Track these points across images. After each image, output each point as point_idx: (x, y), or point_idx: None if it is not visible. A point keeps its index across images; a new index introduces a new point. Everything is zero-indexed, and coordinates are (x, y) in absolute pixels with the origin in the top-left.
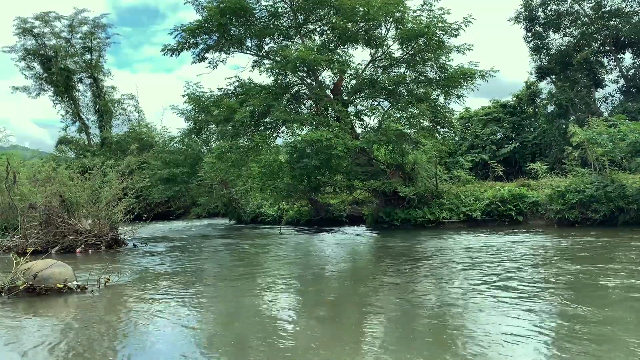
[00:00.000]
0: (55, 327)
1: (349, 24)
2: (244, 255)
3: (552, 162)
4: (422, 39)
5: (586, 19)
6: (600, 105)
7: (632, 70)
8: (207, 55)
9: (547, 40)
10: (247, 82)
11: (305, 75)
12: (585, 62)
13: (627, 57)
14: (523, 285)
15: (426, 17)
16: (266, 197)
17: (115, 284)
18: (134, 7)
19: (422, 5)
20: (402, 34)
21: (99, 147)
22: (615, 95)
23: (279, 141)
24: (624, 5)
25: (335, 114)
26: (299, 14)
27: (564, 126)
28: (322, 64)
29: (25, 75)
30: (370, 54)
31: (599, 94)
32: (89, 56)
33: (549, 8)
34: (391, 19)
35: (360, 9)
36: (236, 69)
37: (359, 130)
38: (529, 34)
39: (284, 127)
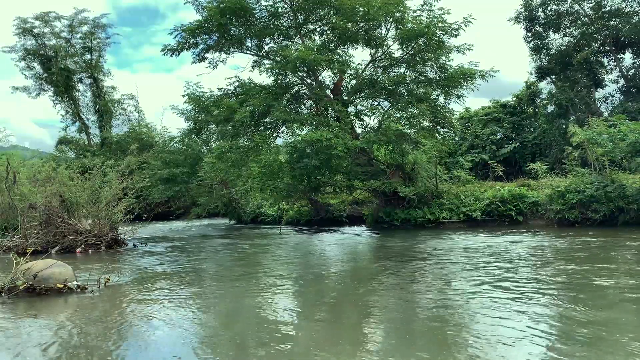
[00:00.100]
0: (55, 327)
1: (349, 24)
2: (243, 256)
3: (552, 162)
4: (422, 39)
5: (586, 19)
6: (600, 105)
7: (632, 70)
8: (207, 55)
9: (547, 40)
10: (247, 82)
11: (305, 75)
12: (585, 62)
13: (627, 57)
14: (523, 286)
15: (426, 17)
16: (266, 197)
17: (115, 284)
18: (134, 7)
19: (422, 5)
20: (402, 34)
21: (99, 147)
22: (615, 95)
23: (279, 141)
24: (624, 5)
25: (335, 114)
26: (299, 14)
27: (564, 126)
28: (322, 64)
29: (25, 75)
30: (370, 54)
31: (599, 94)
32: (89, 56)
33: (549, 8)
34: (391, 19)
35: (360, 9)
36: (236, 69)
37: (359, 130)
38: (529, 34)
39: (284, 127)
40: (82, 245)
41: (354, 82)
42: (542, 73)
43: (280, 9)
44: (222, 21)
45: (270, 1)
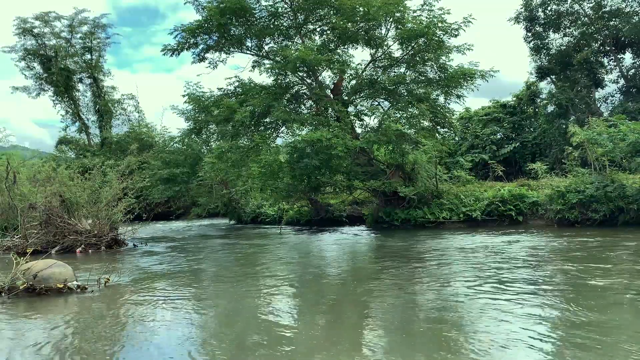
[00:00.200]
0: (55, 327)
1: (349, 24)
2: (243, 256)
3: (552, 162)
4: (422, 39)
5: (586, 19)
6: (600, 105)
7: (632, 70)
8: (207, 55)
9: (547, 40)
10: (247, 82)
11: (305, 75)
12: (585, 62)
13: (627, 57)
14: (521, 286)
15: (426, 17)
16: (266, 197)
17: (115, 284)
18: (134, 7)
19: (422, 5)
20: (402, 34)
21: (99, 147)
22: (615, 95)
23: (279, 141)
24: (624, 5)
25: (335, 114)
26: (299, 14)
27: (564, 126)
28: (322, 64)
29: (25, 75)
30: (370, 54)
31: (599, 94)
32: (89, 56)
33: (549, 8)
34: (391, 19)
35: (360, 9)
36: (236, 69)
37: (359, 130)
38: (529, 34)
39: (284, 127)
40: (82, 245)
41: (354, 82)
42: (542, 73)
43: (280, 9)
44: (222, 21)
45: (270, 1)
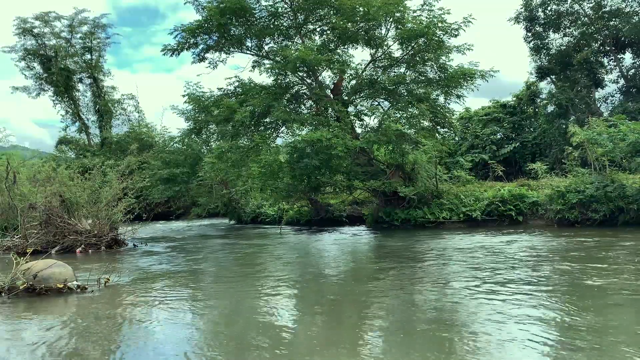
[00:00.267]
0: (55, 327)
1: (349, 24)
2: (243, 255)
3: (552, 162)
4: (422, 39)
5: (586, 19)
6: (600, 105)
7: (632, 70)
8: (207, 55)
9: (547, 40)
10: (247, 82)
11: (305, 75)
12: (585, 62)
13: (627, 57)
14: (520, 287)
15: (426, 17)
16: (266, 197)
17: (115, 284)
18: (134, 7)
19: (422, 5)
20: (402, 34)
21: (99, 147)
22: (615, 95)
23: (279, 141)
24: (624, 5)
25: (335, 114)
26: (299, 14)
27: (564, 126)
28: (322, 64)
29: (25, 75)
30: (370, 54)
31: (599, 94)
32: (89, 56)
33: (549, 8)
34: (391, 19)
35: (360, 9)
36: (236, 69)
37: (359, 130)
38: (529, 34)
39: (284, 127)
40: (82, 245)
41: (354, 82)
42: (542, 73)
43: (280, 9)
44: (222, 21)
45: (270, 1)
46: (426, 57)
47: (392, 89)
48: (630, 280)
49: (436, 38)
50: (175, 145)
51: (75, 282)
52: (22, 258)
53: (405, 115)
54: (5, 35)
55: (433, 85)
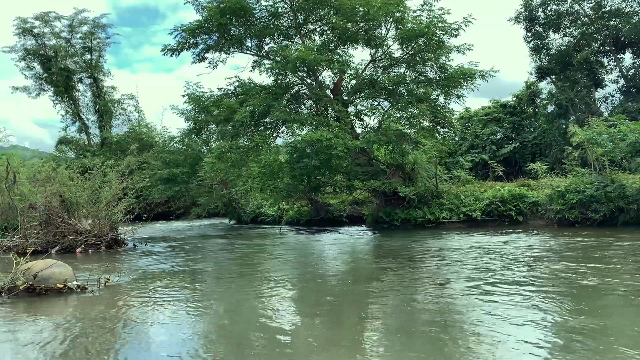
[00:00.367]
0: (55, 327)
1: (349, 24)
2: (243, 255)
3: (552, 162)
4: (422, 39)
5: (586, 19)
6: (600, 105)
7: (632, 70)
8: (207, 55)
9: (547, 40)
10: (247, 82)
11: (305, 75)
12: (585, 62)
13: (627, 57)
14: (520, 287)
15: (426, 17)
16: (266, 197)
17: (115, 284)
18: (134, 7)
19: (422, 5)
20: (402, 34)
21: (99, 147)
22: (615, 95)
23: (279, 141)
24: (624, 5)
25: (335, 114)
26: (299, 14)
27: (564, 126)
28: (322, 64)
29: (25, 75)
30: (370, 54)
31: (599, 94)
32: (89, 56)
33: (549, 8)
34: (391, 19)
35: (360, 9)
36: (236, 69)
37: (359, 130)
38: (529, 34)
39: (284, 127)
40: (82, 245)
41: (354, 82)
42: (542, 73)
43: (280, 9)
44: (222, 21)
45: (270, 1)
46: (426, 57)
47: (392, 89)
48: (627, 280)
49: (436, 38)
50: (175, 145)
51: (75, 282)
52: (22, 258)
53: (405, 115)
54: (5, 35)
55: (433, 85)
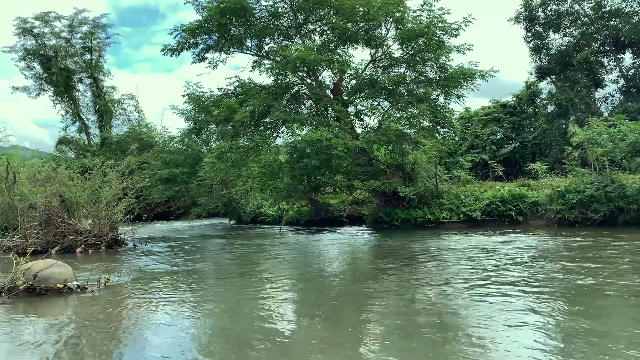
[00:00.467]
0: (55, 327)
1: (349, 24)
2: (243, 255)
3: (552, 162)
4: (422, 39)
5: (586, 19)
6: (600, 105)
7: (632, 70)
8: (207, 55)
9: (547, 40)
10: (247, 82)
11: (305, 75)
12: (585, 62)
13: (627, 57)
14: (522, 287)
15: (426, 17)
16: (266, 197)
17: (115, 284)
18: (134, 7)
19: (422, 5)
20: (402, 34)
21: (99, 147)
22: (615, 95)
23: (279, 141)
24: (624, 5)
25: (335, 114)
26: (299, 14)
27: (564, 126)
28: (322, 64)
29: (25, 75)
30: (370, 54)
31: (599, 94)
32: (89, 56)
33: (549, 8)
34: (391, 19)
35: (360, 9)
36: (236, 69)
37: (359, 130)
38: (529, 34)
39: (284, 127)
40: (82, 245)
41: (354, 82)
42: (542, 73)
43: (280, 9)
44: (222, 21)
45: (270, 1)
46: (426, 57)
47: (392, 89)
48: (624, 280)
49: (436, 38)
50: (175, 145)
51: (75, 282)
52: (22, 258)
53: (405, 115)
54: (5, 35)
55: (433, 85)
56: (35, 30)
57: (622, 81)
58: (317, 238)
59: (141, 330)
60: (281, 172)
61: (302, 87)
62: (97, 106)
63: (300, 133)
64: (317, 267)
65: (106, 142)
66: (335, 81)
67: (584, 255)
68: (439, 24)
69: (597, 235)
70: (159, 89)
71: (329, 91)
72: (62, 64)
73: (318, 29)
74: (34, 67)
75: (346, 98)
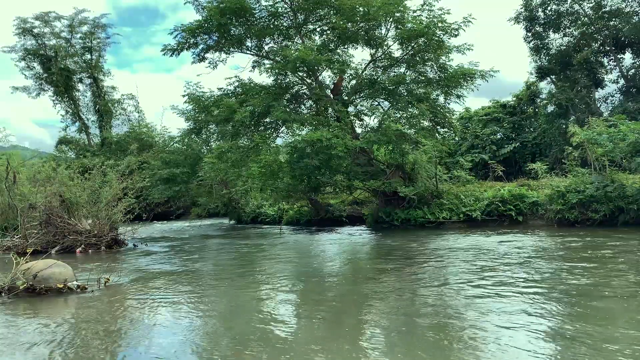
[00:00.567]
0: (55, 327)
1: (349, 24)
2: (243, 255)
3: (552, 162)
4: (422, 39)
5: (586, 19)
6: (600, 105)
7: (632, 70)
8: (207, 55)
9: (547, 40)
10: (247, 82)
11: (305, 75)
12: (585, 62)
13: (627, 57)
14: (521, 287)
15: (426, 17)
16: (266, 197)
17: (115, 284)
18: (134, 7)
19: (422, 5)
20: (402, 34)
21: (99, 147)
22: (615, 95)
23: (279, 141)
24: (624, 5)
25: (335, 114)
26: (299, 14)
27: (564, 126)
28: (322, 64)
29: (25, 75)
30: (370, 54)
31: (599, 94)
32: (89, 56)
33: (549, 8)
34: (391, 19)
35: (360, 9)
36: (236, 69)
37: (359, 130)
38: (529, 34)
39: (284, 127)
40: (82, 245)
41: (354, 82)
42: (542, 73)
43: (280, 9)
44: (222, 21)
45: (270, 1)
46: (426, 57)
47: (392, 89)
48: (621, 280)
49: (436, 38)
50: (175, 145)
51: (75, 282)
52: (22, 258)
53: (405, 115)
54: (5, 35)
55: (433, 85)
56: (35, 30)
57: (622, 81)
58: (317, 238)
59: (141, 331)
60: (281, 172)
61: (302, 87)
62: (97, 106)
63: (300, 133)
64: (316, 267)
65: (106, 142)
66: (335, 81)
67: (587, 256)
68: (439, 24)
69: (599, 236)
70: (159, 89)
71: (329, 91)
72: (62, 64)
73: (318, 29)
74: (34, 67)
75: (346, 98)
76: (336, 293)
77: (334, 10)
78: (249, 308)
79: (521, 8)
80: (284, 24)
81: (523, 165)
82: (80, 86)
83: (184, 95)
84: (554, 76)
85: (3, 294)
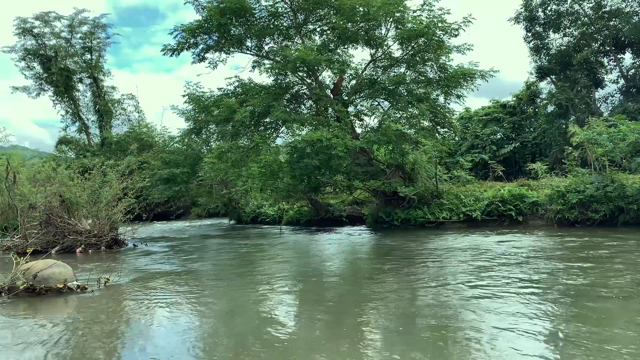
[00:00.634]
0: (55, 327)
1: (349, 24)
2: (243, 255)
3: (552, 162)
4: (422, 39)
5: (586, 19)
6: (600, 105)
7: (632, 70)
8: (207, 55)
9: (547, 40)
10: (247, 82)
11: (305, 75)
12: (585, 62)
13: (627, 57)
14: (519, 288)
15: (426, 17)
16: (266, 197)
17: (115, 284)
18: (134, 7)
19: (422, 5)
20: (402, 34)
21: (99, 147)
22: (615, 95)
23: (279, 141)
24: (624, 5)
25: (335, 114)
26: (299, 14)
27: (564, 126)
28: (322, 64)
29: (25, 75)
30: (370, 54)
31: (599, 94)
32: (89, 56)
33: (549, 8)
34: (391, 19)
35: (360, 9)
36: (236, 69)
37: (359, 130)
38: (529, 34)
39: (284, 127)
40: (82, 245)
41: (354, 82)
42: (542, 73)
43: (280, 9)
44: (222, 21)
45: (270, 1)
46: (426, 57)
47: (392, 89)
48: (618, 280)
49: (436, 38)
50: (175, 145)
51: (75, 282)
52: (22, 258)
53: (405, 115)
54: (5, 35)
55: (433, 85)
56: (35, 30)
57: (622, 81)
58: (317, 238)
59: (140, 331)
60: (281, 172)
61: (302, 87)
62: (97, 106)
63: (300, 133)
64: (316, 267)
65: (106, 142)
66: (335, 81)
67: (587, 256)
68: (439, 24)
69: (599, 236)
70: (159, 89)
71: (329, 91)
72: (62, 64)
73: (318, 29)
74: (34, 67)
75: (346, 98)
76: (335, 293)
77: (334, 10)
78: (249, 308)
79: (521, 8)
80: (284, 24)
81: (523, 165)
82: (80, 86)
83: (184, 95)
84: (554, 76)
85: (3, 294)
